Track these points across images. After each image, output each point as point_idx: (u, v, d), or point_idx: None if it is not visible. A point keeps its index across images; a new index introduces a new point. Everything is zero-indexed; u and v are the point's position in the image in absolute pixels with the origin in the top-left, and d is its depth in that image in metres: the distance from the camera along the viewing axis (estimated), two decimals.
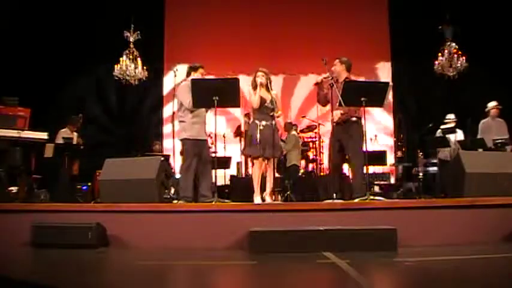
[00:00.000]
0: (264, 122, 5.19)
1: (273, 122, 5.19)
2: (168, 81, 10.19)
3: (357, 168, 5.16)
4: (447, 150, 7.67)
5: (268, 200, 5.22)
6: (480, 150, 6.82)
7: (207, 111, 5.44)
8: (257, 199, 5.16)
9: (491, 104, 7.59)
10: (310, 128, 8.82)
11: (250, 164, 8.53)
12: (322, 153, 8.65)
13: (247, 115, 8.55)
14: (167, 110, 10.21)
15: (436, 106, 9.01)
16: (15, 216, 4.42)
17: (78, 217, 4.30)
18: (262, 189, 5.26)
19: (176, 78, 6.36)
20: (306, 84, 10.15)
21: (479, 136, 7.46)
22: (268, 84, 5.28)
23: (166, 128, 10.19)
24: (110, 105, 10.44)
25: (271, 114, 5.17)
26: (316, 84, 5.31)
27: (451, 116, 7.93)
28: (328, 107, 5.27)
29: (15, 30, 8.52)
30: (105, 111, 10.34)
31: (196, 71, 5.47)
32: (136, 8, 9.43)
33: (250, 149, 5.30)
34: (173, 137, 6.20)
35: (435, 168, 8.03)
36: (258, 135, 5.14)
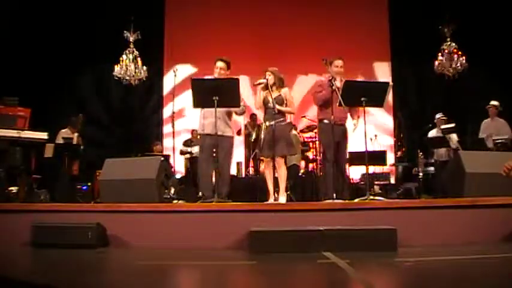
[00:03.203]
0: (267, 123, 5.20)
1: (275, 122, 5.14)
2: (168, 81, 10.19)
3: (345, 168, 5.50)
4: (443, 150, 7.69)
5: (282, 200, 5.15)
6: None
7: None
8: (270, 199, 5.17)
9: (490, 104, 7.58)
10: (310, 128, 8.80)
11: (251, 164, 8.60)
12: (323, 153, 8.62)
13: (252, 116, 8.56)
14: (167, 110, 10.21)
15: (436, 106, 8.99)
16: (15, 216, 4.42)
17: (78, 217, 4.31)
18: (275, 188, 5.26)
19: (176, 78, 6.37)
20: (306, 84, 10.15)
21: (479, 136, 7.45)
22: (269, 84, 5.19)
23: (167, 128, 10.19)
24: (110, 105, 10.43)
25: (273, 113, 5.16)
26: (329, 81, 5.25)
27: (440, 115, 7.92)
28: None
29: (15, 30, 8.52)
30: (105, 111, 10.34)
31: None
32: (136, 8, 9.43)
33: (259, 151, 5.32)
34: (173, 137, 6.20)
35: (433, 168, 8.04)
36: (262, 136, 5.19)
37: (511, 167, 3.43)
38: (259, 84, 5.20)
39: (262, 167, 5.37)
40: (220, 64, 5.32)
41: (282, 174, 5.21)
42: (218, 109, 5.06)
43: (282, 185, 5.20)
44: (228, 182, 5.31)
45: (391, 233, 3.82)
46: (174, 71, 6.40)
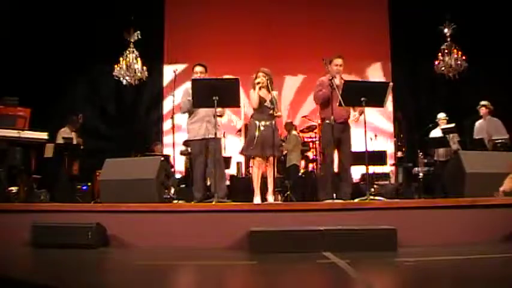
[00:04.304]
0: (263, 122, 5.19)
1: (273, 122, 5.18)
2: (168, 81, 10.19)
3: (349, 167, 5.40)
4: (443, 150, 7.69)
5: (270, 199, 5.20)
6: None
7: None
8: (256, 199, 5.16)
9: (480, 104, 7.57)
10: (310, 128, 8.81)
11: (251, 164, 8.59)
12: (323, 153, 8.62)
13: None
14: (167, 110, 10.21)
15: (436, 106, 8.99)
16: (15, 216, 4.43)
17: (78, 217, 4.31)
18: (263, 189, 5.27)
19: (176, 79, 6.37)
20: (306, 84, 10.15)
21: (474, 137, 7.45)
22: (269, 84, 5.25)
23: (166, 127, 10.19)
24: (110, 105, 10.43)
25: (271, 113, 5.17)
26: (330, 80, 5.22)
27: (442, 115, 7.91)
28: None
29: (16, 30, 8.52)
30: (105, 111, 10.33)
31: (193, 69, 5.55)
32: (136, 8, 9.42)
33: (249, 149, 5.29)
34: (173, 138, 6.20)
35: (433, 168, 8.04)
36: (257, 135, 5.14)
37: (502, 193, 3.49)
38: (259, 83, 5.22)
39: (255, 166, 5.32)
40: (199, 69, 5.50)
41: (273, 174, 5.24)
42: (207, 112, 5.15)
43: (271, 185, 5.24)
44: (225, 182, 5.35)
45: (391, 233, 3.82)
46: (174, 71, 6.41)
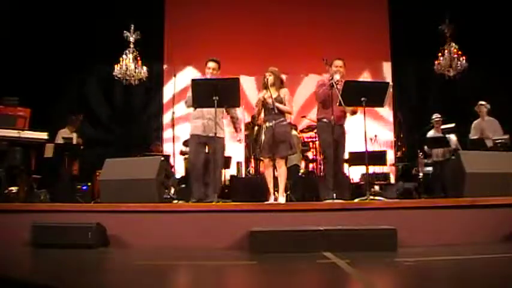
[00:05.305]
0: (268, 124, 5.21)
1: (273, 122, 5.16)
2: (168, 81, 10.19)
3: (342, 168, 5.57)
4: (440, 151, 7.69)
5: (281, 200, 5.18)
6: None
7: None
8: (270, 199, 5.18)
9: (478, 104, 7.56)
10: (310, 128, 8.80)
11: (252, 164, 8.58)
12: (323, 153, 8.59)
13: (253, 117, 8.54)
14: (167, 110, 10.21)
15: (436, 106, 8.99)
16: (15, 216, 4.43)
17: (78, 217, 4.31)
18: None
19: (176, 81, 6.39)
20: (306, 84, 10.15)
21: (471, 137, 7.45)
22: (274, 83, 5.25)
23: (166, 127, 10.19)
24: (110, 105, 10.42)
25: (273, 113, 5.17)
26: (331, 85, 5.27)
27: (436, 116, 7.90)
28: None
29: (16, 30, 8.52)
30: (105, 111, 10.32)
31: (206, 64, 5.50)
32: (136, 8, 9.42)
33: (259, 152, 5.35)
34: (173, 135, 6.21)
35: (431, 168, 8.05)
36: (263, 137, 5.20)
37: None
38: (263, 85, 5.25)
39: (262, 167, 5.37)
40: (212, 64, 5.41)
41: (282, 174, 5.22)
42: (210, 110, 5.09)
43: (282, 185, 5.21)
44: (217, 183, 5.33)
45: (391, 233, 3.82)
46: (173, 75, 6.43)
